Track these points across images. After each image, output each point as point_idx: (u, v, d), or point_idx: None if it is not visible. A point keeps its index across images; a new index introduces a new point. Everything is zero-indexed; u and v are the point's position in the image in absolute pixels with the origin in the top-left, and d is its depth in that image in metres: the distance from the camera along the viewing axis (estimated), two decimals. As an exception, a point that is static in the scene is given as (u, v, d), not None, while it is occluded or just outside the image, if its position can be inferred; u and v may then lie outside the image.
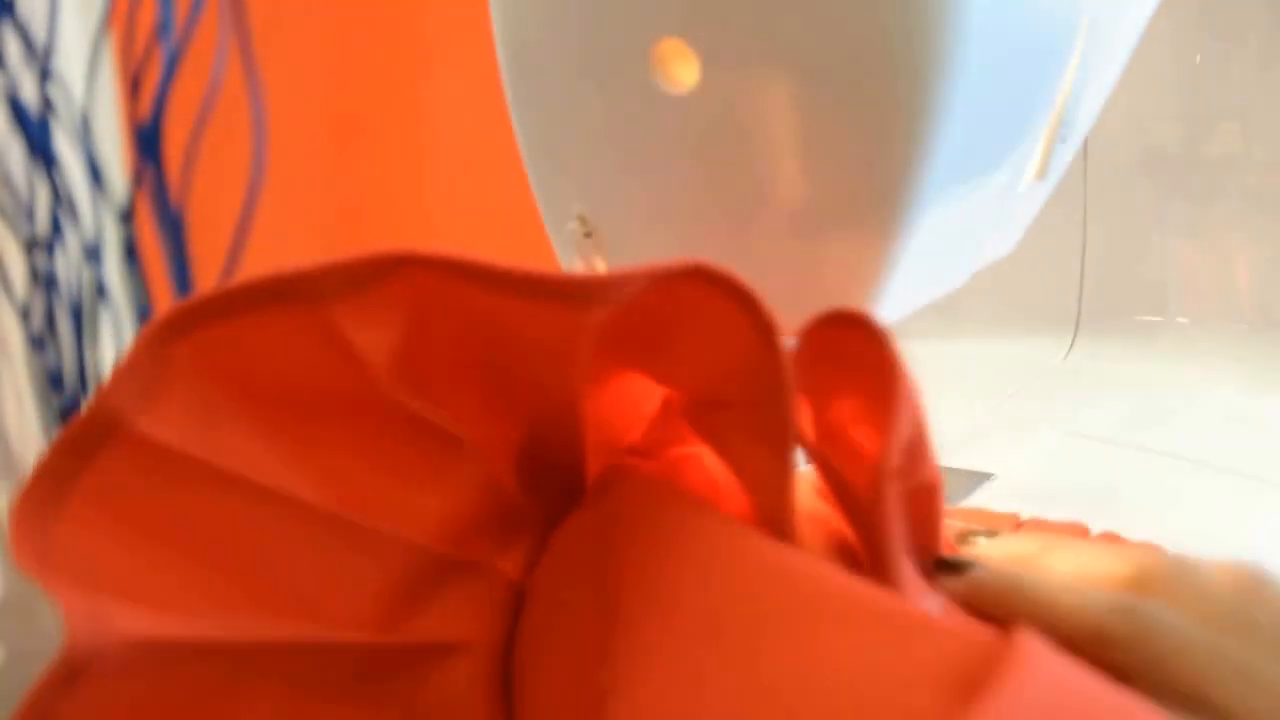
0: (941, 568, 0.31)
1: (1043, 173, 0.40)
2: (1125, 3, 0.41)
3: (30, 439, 1.27)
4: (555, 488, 0.31)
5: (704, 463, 0.31)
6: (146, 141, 1.13)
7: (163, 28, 1.13)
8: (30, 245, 1.14)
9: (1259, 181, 0.52)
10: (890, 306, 0.36)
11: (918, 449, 0.29)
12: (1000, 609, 0.29)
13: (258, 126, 1.16)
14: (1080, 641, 0.28)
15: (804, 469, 0.41)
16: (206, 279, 1.18)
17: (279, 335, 0.25)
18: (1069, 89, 0.39)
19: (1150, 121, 0.53)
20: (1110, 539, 0.36)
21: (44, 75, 1.12)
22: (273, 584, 0.26)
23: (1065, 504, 0.41)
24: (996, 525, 0.36)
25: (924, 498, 0.30)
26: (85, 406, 0.25)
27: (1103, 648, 0.28)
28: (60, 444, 0.25)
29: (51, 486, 0.25)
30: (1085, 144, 0.50)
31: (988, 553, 0.31)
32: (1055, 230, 0.53)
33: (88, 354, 1.17)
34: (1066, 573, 0.30)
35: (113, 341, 1.21)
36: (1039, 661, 0.20)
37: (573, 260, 0.38)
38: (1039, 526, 0.38)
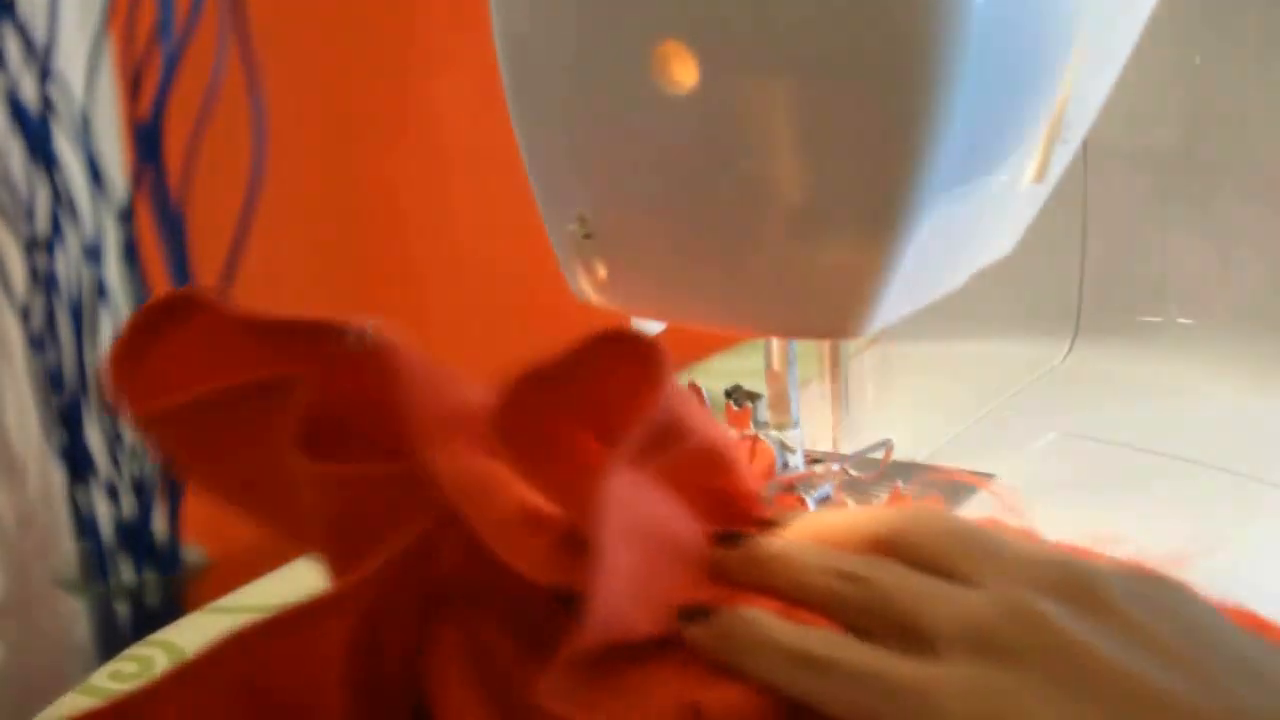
0: (722, 540, 0.32)
1: (1042, 174, 0.40)
2: (1124, 3, 0.42)
3: (30, 438, 1.27)
4: None
5: None
6: (146, 141, 1.14)
7: (163, 28, 1.13)
8: (30, 245, 1.14)
9: (1259, 181, 0.52)
10: (890, 307, 0.36)
11: (675, 428, 0.31)
12: (757, 575, 0.31)
13: (258, 126, 1.16)
14: (816, 604, 0.30)
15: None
16: (206, 279, 1.18)
17: None
18: (1068, 90, 0.39)
19: (1149, 122, 0.52)
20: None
21: (44, 75, 1.12)
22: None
23: (1065, 504, 0.41)
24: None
25: (701, 470, 0.32)
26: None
27: (835, 610, 0.30)
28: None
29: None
30: (1084, 145, 0.50)
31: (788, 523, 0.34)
32: (1055, 231, 0.53)
33: (88, 354, 1.17)
34: (827, 532, 0.33)
35: (113, 341, 1.20)
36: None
37: (573, 260, 0.39)
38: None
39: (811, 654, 0.28)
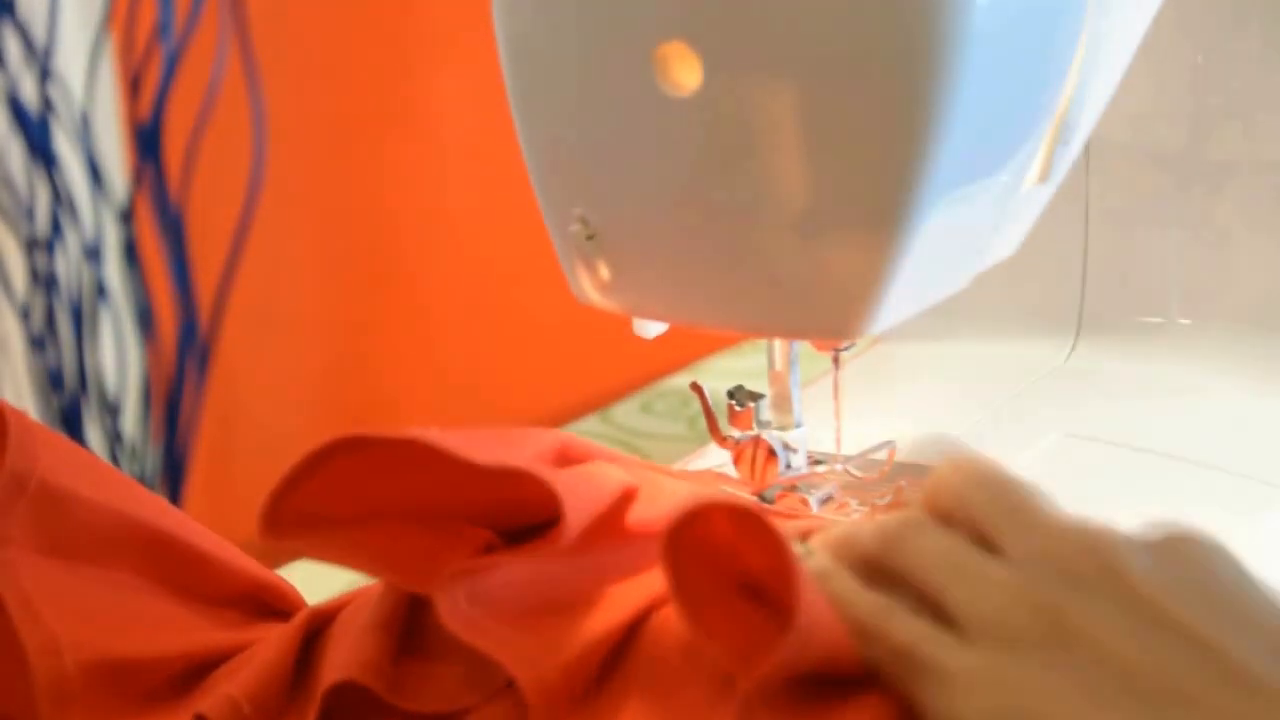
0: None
1: (1045, 175, 0.40)
2: (1128, 4, 0.42)
3: (30, 439, 1.27)
4: None
5: None
6: (146, 141, 1.13)
7: (163, 28, 1.13)
8: (30, 245, 1.14)
9: (1261, 182, 0.52)
10: (893, 309, 0.36)
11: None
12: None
13: (258, 126, 1.16)
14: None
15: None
16: (206, 279, 1.18)
17: None
18: (1071, 91, 0.39)
19: (1152, 123, 0.52)
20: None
21: (44, 75, 1.12)
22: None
23: (1065, 504, 0.41)
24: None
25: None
26: None
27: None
28: None
29: None
30: (1087, 146, 0.50)
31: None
32: (1057, 232, 0.53)
33: (88, 354, 1.17)
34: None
35: (113, 341, 1.21)
36: None
37: (575, 262, 0.39)
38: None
39: (861, 622, 0.29)
